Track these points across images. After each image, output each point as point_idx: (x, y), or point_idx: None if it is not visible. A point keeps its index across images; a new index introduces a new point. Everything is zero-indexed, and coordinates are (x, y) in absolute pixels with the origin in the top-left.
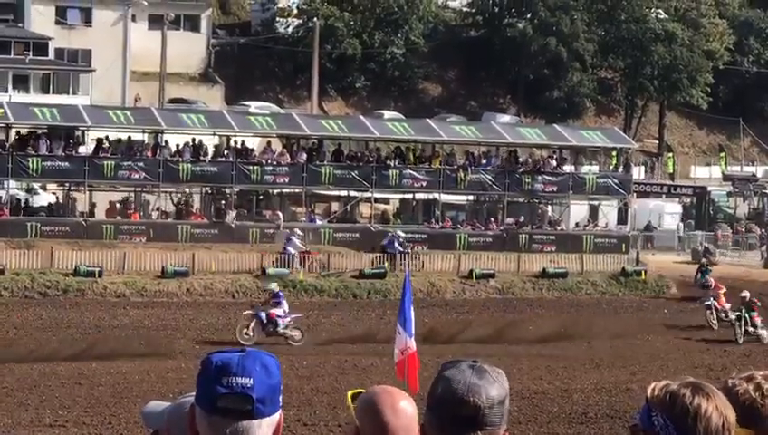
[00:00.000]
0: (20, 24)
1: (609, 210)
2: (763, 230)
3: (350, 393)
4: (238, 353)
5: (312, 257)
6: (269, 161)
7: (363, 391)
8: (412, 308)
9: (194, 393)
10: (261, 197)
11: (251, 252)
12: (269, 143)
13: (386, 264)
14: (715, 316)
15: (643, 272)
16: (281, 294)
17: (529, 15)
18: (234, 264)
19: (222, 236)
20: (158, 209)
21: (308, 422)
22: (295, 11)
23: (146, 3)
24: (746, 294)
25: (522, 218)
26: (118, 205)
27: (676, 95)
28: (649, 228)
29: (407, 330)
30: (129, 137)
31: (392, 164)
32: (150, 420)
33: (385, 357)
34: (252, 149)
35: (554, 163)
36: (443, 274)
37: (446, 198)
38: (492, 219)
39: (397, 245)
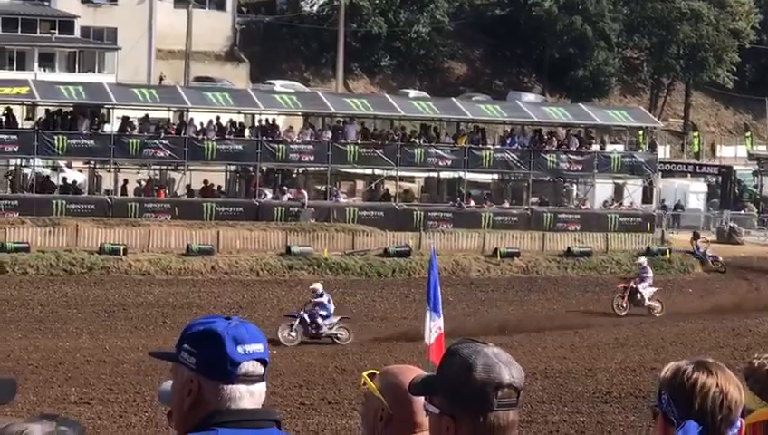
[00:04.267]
0: (46, 3)
1: (634, 189)
2: None
3: (365, 374)
4: (233, 322)
5: None
6: (293, 139)
7: (377, 372)
8: (439, 288)
9: None
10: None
11: (276, 230)
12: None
13: (410, 242)
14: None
15: (668, 251)
16: (323, 293)
17: None
18: (258, 242)
19: (247, 215)
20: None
21: (332, 401)
22: None
23: None
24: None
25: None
26: (141, 183)
27: (702, 74)
28: (679, 208)
29: (435, 310)
30: (147, 115)
31: (417, 142)
32: (165, 399)
33: (409, 335)
34: (277, 127)
35: (578, 142)
36: (467, 252)
37: (470, 176)
38: (515, 199)
39: None
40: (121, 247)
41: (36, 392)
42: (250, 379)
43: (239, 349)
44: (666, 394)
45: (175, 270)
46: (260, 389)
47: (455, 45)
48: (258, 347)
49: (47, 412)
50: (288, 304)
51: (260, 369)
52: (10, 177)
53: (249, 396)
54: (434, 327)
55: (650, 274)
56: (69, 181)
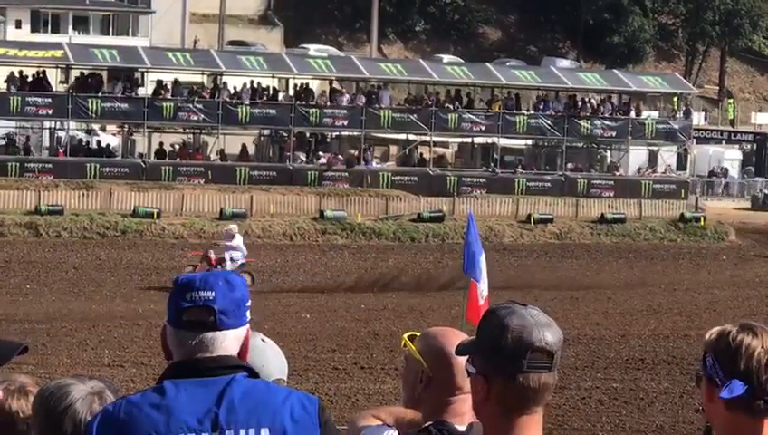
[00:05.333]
0: None
1: (668, 156)
2: None
3: (405, 336)
4: (204, 272)
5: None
6: (328, 104)
7: (418, 333)
8: (482, 251)
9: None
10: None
11: (309, 194)
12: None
13: (444, 207)
14: None
15: (702, 218)
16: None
17: None
18: (292, 206)
19: (280, 179)
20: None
21: (365, 365)
22: None
23: None
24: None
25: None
26: (174, 147)
27: (738, 41)
28: (714, 175)
29: (475, 274)
30: (176, 79)
31: (451, 108)
32: None
33: (442, 299)
34: (311, 91)
35: (612, 108)
36: (501, 218)
37: (504, 142)
38: (548, 164)
39: None
40: (155, 211)
41: (70, 355)
42: (196, 326)
43: (186, 295)
44: (710, 356)
45: (208, 234)
46: (209, 338)
47: (489, 10)
48: (208, 294)
49: (79, 374)
50: (321, 268)
51: (206, 317)
52: (5, 139)
53: (204, 344)
54: (482, 292)
55: (239, 241)
56: (103, 145)
